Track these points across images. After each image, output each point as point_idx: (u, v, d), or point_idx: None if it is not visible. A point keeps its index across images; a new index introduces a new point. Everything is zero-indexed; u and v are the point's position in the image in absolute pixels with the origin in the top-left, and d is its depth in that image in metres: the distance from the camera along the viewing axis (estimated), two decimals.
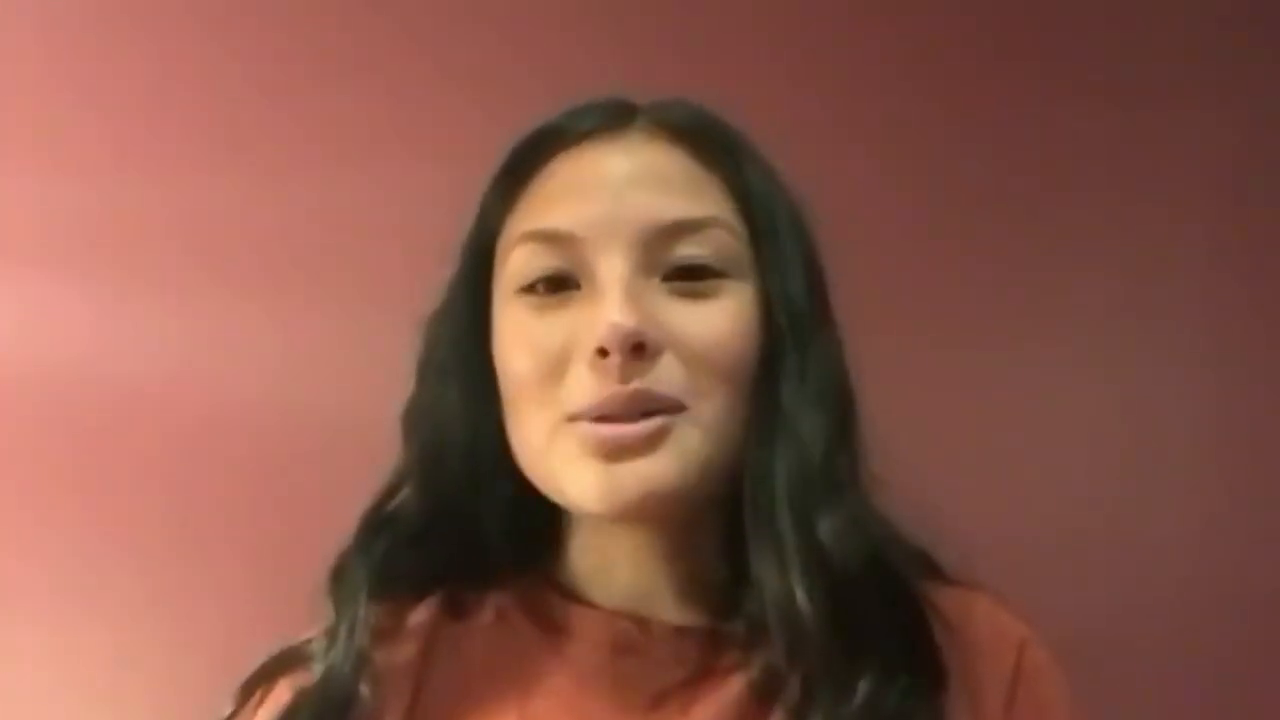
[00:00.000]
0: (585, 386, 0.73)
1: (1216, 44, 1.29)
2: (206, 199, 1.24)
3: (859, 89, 1.28)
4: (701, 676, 0.76)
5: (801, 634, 0.72)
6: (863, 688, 0.71)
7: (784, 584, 0.73)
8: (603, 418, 0.72)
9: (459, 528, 0.81)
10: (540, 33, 1.26)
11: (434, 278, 0.84)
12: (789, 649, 0.73)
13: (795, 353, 0.77)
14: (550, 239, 0.76)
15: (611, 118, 0.80)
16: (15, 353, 1.23)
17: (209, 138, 1.25)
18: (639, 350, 0.72)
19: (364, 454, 0.81)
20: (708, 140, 0.79)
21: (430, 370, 0.82)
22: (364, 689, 0.75)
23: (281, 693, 0.78)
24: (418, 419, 0.82)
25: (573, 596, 0.80)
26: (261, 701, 0.79)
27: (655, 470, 0.72)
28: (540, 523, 0.82)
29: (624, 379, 0.72)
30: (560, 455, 0.74)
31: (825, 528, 0.74)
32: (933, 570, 0.81)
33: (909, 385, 1.11)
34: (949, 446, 1.17)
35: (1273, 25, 1.29)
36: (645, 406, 0.72)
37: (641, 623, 0.78)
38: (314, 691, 0.76)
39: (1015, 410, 1.24)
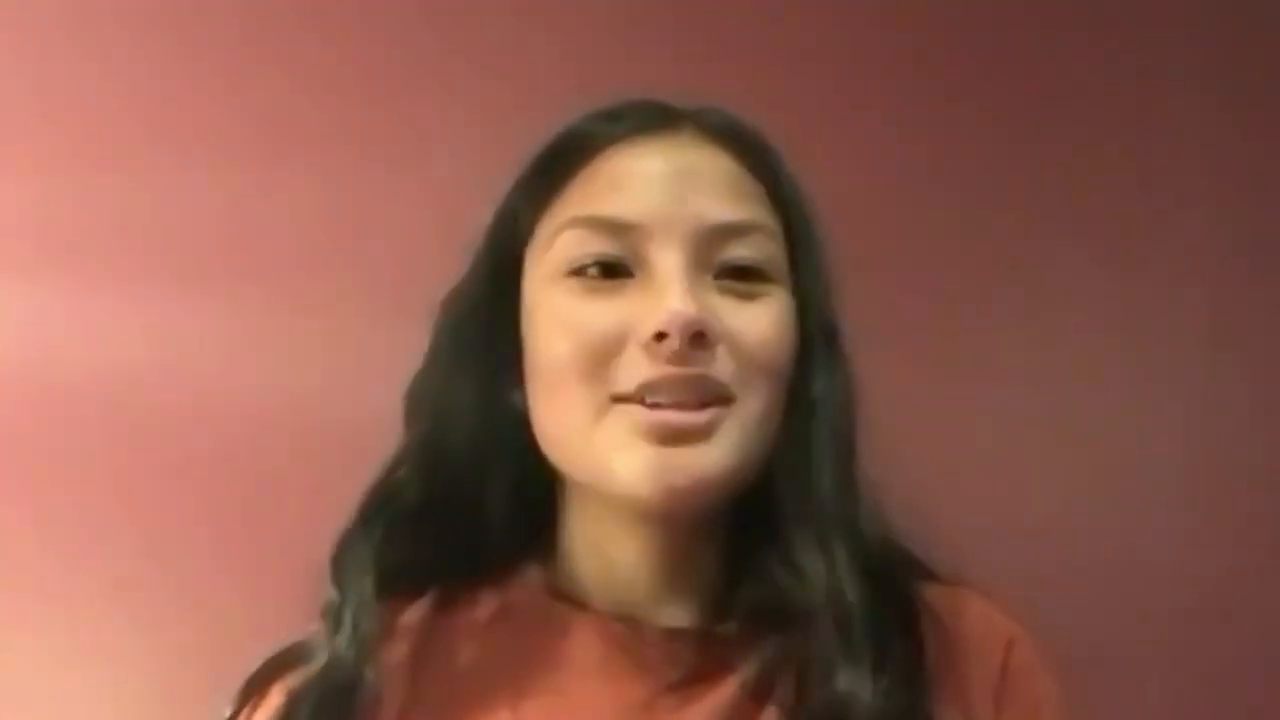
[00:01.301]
0: (640, 366, 0.73)
1: (1218, 42, 1.29)
2: (239, 198, 1.25)
3: (860, 89, 1.28)
4: (694, 679, 0.76)
5: (848, 620, 0.73)
6: (886, 673, 0.73)
7: (830, 567, 0.75)
8: (656, 404, 0.73)
9: (458, 513, 0.81)
10: (539, 35, 1.26)
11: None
12: (836, 628, 0.73)
13: (825, 355, 0.79)
14: (607, 226, 0.76)
15: (658, 118, 0.81)
16: (21, 358, 1.22)
17: (230, 139, 1.25)
18: (699, 339, 0.73)
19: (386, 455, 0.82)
20: (749, 148, 0.81)
21: (442, 355, 0.82)
22: (369, 673, 0.75)
23: (274, 699, 0.78)
24: (422, 401, 0.82)
25: (566, 598, 0.81)
26: (256, 707, 0.79)
27: (708, 459, 0.73)
28: (539, 518, 0.82)
29: (680, 363, 0.73)
30: (608, 436, 0.74)
31: (863, 519, 0.77)
32: (921, 569, 0.82)
33: (904, 387, 1.11)
34: (944, 450, 1.17)
35: (1275, 25, 1.29)
36: (702, 392, 0.73)
37: (634, 625, 0.78)
38: (317, 677, 0.76)
39: (1010, 413, 1.25)
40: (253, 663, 0.81)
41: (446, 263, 0.84)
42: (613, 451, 0.74)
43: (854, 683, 0.72)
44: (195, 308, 1.23)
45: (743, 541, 0.78)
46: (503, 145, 0.83)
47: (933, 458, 1.12)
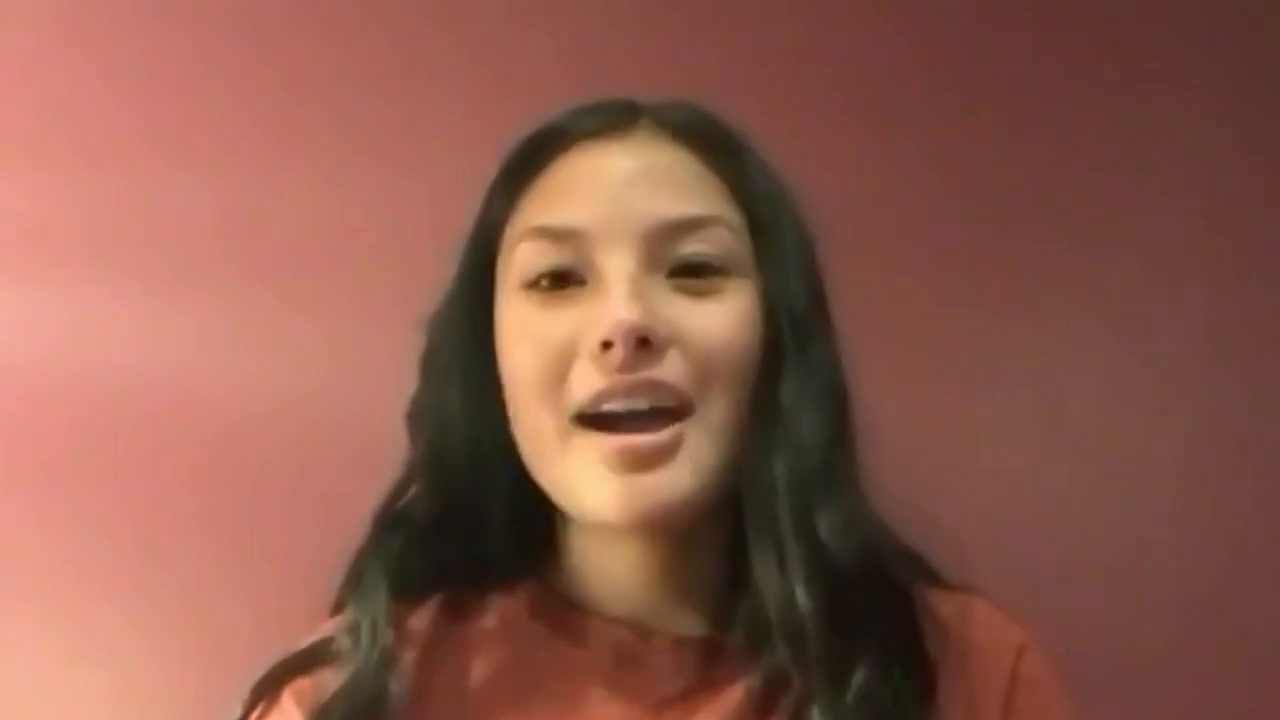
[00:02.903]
0: (588, 378, 0.73)
1: (1216, 40, 1.29)
2: (239, 198, 1.24)
3: (855, 86, 1.28)
4: (701, 687, 0.76)
5: (800, 630, 0.73)
6: (858, 680, 0.72)
7: (784, 581, 0.74)
8: (614, 419, 0.73)
9: (464, 527, 0.81)
10: (540, 35, 1.26)
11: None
12: (789, 645, 0.73)
13: (795, 352, 0.77)
14: (556, 235, 0.76)
15: (615, 117, 0.81)
16: (19, 358, 1.22)
17: (228, 138, 1.25)
18: (644, 345, 0.72)
19: (397, 456, 0.83)
20: (710, 140, 0.80)
21: (433, 369, 0.83)
22: (393, 685, 0.75)
23: (285, 702, 0.78)
24: (421, 418, 0.82)
25: (572, 604, 0.81)
26: (267, 709, 0.79)
27: (673, 480, 0.73)
28: (540, 526, 0.82)
29: (628, 370, 0.72)
30: (574, 467, 0.74)
31: (824, 525, 0.75)
32: (928, 574, 0.81)
33: (904, 388, 1.12)
34: (944, 451, 1.17)
35: (1273, 21, 1.29)
36: (655, 397, 0.73)
37: (641, 632, 0.79)
38: (343, 691, 0.76)
39: (1010, 412, 1.24)
40: (252, 663, 0.81)
41: (446, 263, 0.84)
42: (580, 481, 0.74)
43: (821, 710, 0.72)
44: (194, 308, 1.23)
45: (745, 548, 0.78)
46: (502, 146, 0.83)
47: (932, 459, 1.12)
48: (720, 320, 0.75)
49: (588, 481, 0.74)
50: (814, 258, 0.82)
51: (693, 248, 0.76)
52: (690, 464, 0.73)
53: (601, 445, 0.73)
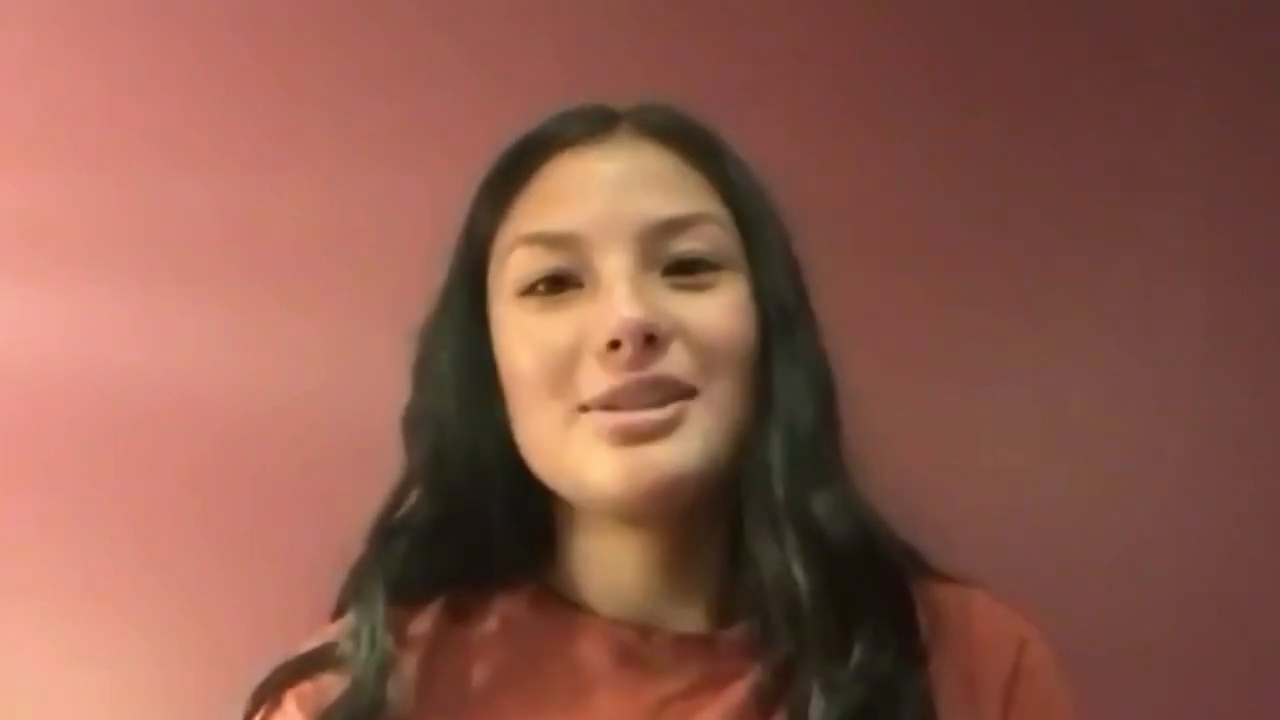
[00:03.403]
0: (597, 377, 0.74)
1: (1215, 39, 1.29)
2: (239, 198, 1.24)
3: (861, 87, 1.28)
4: (703, 685, 0.77)
5: (798, 606, 0.74)
6: (856, 656, 0.73)
7: (781, 559, 0.75)
8: (616, 407, 0.73)
9: (465, 530, 0.81)
10: (540, 36, 1.26)
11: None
12: (787, 623, 0.74)
13: (783, 340, 0.79)
14: (551, 241, 0.77)
15: (596, 122, 0.82)
16: (19, 359, 1.22)
17: (228, 138, 1.25)
18: (650, 341, 0.73)
19: (397, 456, 0.83)
20: (690, 140, 0.81)
21: (428, 377, 0.83)
22: (392, 693, 0.76)
23: (287, 705, 0.78)
24: (419, 424, 0.83)
25: (574, 604, 0.81)
26: (269, 713, 0.79)
27: (675, 453, 0.74)
28: (541, 529, 0.82)
29: (636, 367, 0.73)
30: (577, 446, 0.75)
31: (819, 505, 0.76)
32: (926, 567, 0.82)
33: (906, 389, 1.12)
34: (944, 449, 1.17)
35: (1272, 19, 1.29)
36: (660, 392, 0.74)
37: (643, 631, 0.79)
38: (344, 700, 0.76)
39: (1010, 412, 1.25)
40: (252, 664, 0.81)
41: (445, 264, 0.84)
42: (583, 461, 0.75)
43: (820, 683, 0.72)
44: (194, 308, 1.23)
45: (744, 545, 0.78)
46: (503, 146, 0.83)
47: (932, 458, 1.12)
48: (718, 311, 0.77)
49: (591, 459, 0.74)
50: (792, 250, 0.83)
51: (686, 245, 0.77)
52: (693, 437, 0.74)
53: (604, 424, 0.74)
